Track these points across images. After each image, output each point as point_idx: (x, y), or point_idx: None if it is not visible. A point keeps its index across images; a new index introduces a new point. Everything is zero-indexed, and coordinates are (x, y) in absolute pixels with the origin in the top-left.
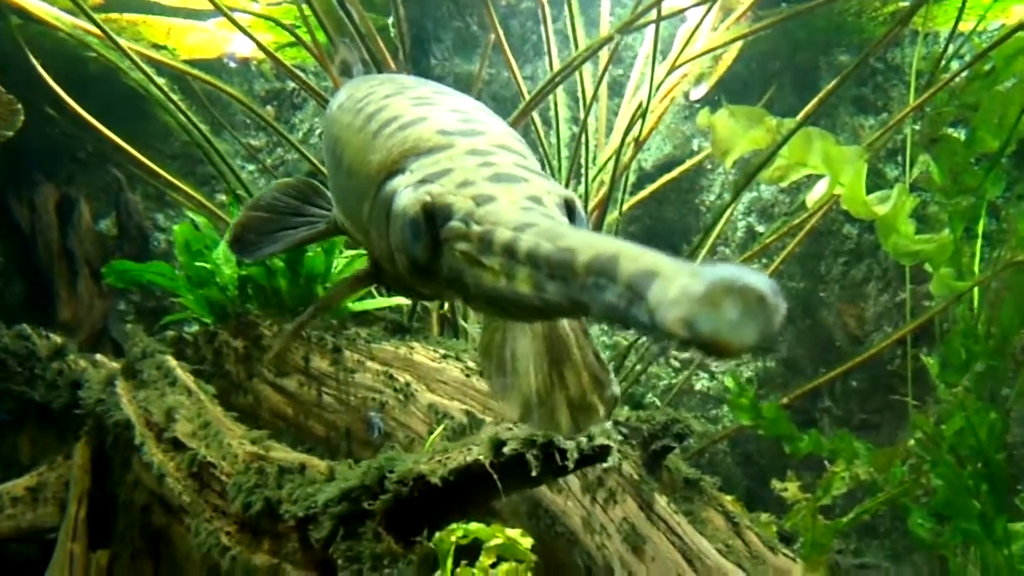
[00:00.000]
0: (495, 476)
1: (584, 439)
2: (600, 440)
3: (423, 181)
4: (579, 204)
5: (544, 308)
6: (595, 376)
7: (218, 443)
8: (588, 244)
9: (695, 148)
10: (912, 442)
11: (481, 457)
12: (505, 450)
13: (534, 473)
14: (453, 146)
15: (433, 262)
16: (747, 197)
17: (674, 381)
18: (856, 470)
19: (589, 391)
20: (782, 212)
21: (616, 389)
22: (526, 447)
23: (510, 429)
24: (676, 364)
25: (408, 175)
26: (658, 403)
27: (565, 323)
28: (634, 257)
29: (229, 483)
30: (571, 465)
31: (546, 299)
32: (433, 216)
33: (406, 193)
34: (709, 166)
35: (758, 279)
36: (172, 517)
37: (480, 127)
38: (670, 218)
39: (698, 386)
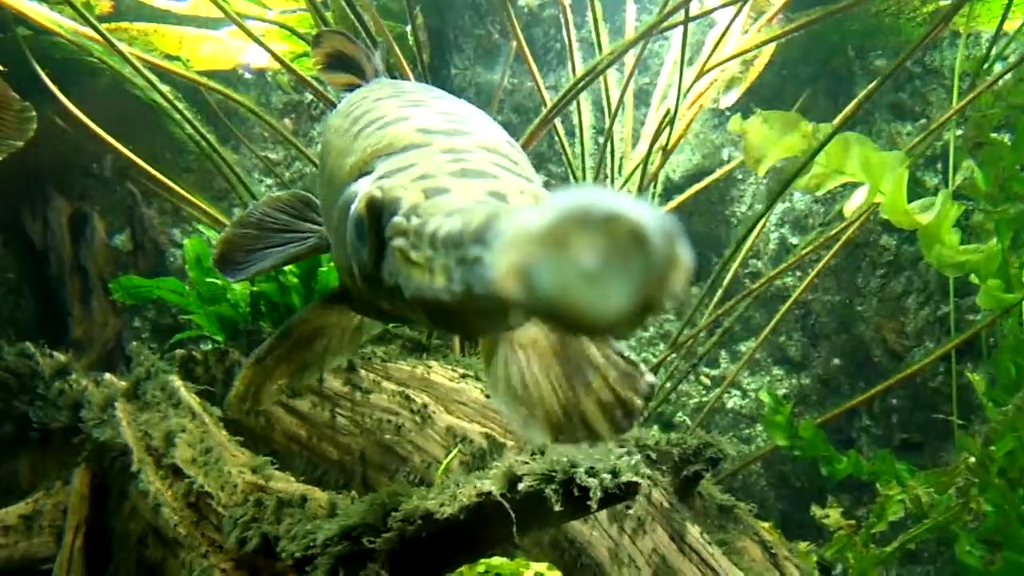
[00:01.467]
0: (512, 514)
1: (609, 475)
2: (627, 476)
3: (380, 178)
4: None
5: (466, 312)
6: (623, 372)
7: (218, 471)
8: (492, 208)
9: (725, 158)
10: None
11: (494, 491)
12: (521, 486)
13: (555, 510)
14: (430, 145)
15: (378, 267)
16: (779, 208)
17: (705, 399)
18: (914, 492)
19: (621, 388)
20: (817, 223)
21: (650, 377)
22: (544, 482)
23: (526, 463)
24: (707, 382)
25: (373, 175)
26: (688, 422)
27: None
28: (516, 209)
29: (225, 515)
30: (594, 505)
31: (455, 293)
32: (379, 213)
33: (360, 191)
34: (740, 176)
35: (633, 206)
36: (167, 550)
37: (467, 128)
38: (699, 230)
39: (730, 404)
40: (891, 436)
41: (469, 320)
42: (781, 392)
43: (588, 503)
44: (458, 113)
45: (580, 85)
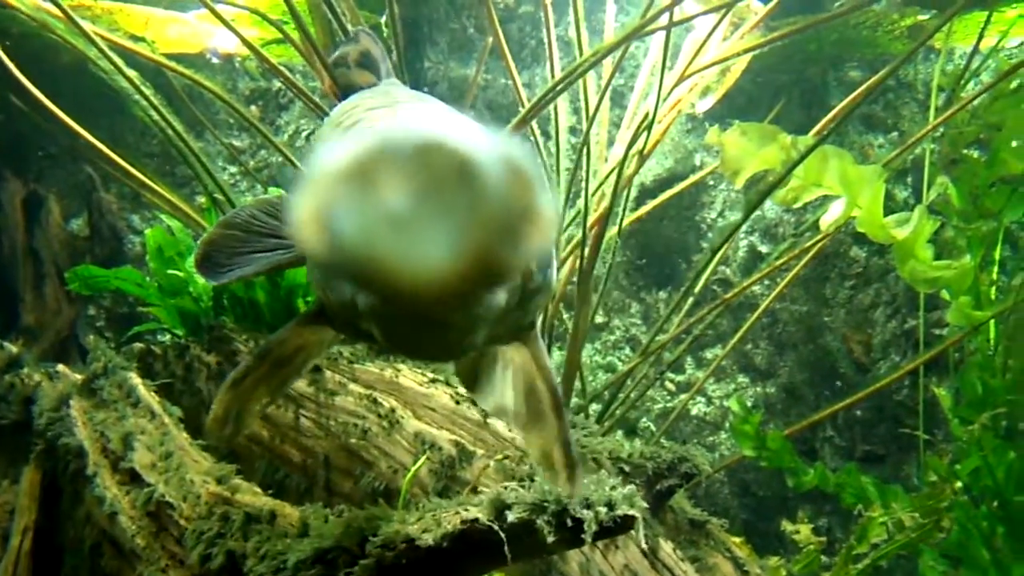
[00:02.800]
0: (504, 544)
1: (604, 508)
2: (623, 509)
3: None
4: None
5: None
6: (566, 461)
7: (179, 479)
8: None
9: (697, 163)
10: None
11: (481, 519)
12: (510, 515)
13: (548, 542)
14: None
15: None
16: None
17: (670, 405)
18: (896, 516)
19: (559, 465)
20: (786, 232)
21: (580, 490)
22: (535, 513)
23: (515, 491)
24: (672, 388)
25: None
26: (653, 428)
27: (541, 384)
28: None
29: (188, 529)
30: (588, 538)
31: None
32: None
33: None
34: (711, 182)
35: (456, 132)
36: (123, 562)
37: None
38: (669, 235)
39: (694, 411)
40: (854, 448)
41: (418, 335)
42: (746, 400)
43: (582, 535)
44: (441, 113)
45: (560, 87)
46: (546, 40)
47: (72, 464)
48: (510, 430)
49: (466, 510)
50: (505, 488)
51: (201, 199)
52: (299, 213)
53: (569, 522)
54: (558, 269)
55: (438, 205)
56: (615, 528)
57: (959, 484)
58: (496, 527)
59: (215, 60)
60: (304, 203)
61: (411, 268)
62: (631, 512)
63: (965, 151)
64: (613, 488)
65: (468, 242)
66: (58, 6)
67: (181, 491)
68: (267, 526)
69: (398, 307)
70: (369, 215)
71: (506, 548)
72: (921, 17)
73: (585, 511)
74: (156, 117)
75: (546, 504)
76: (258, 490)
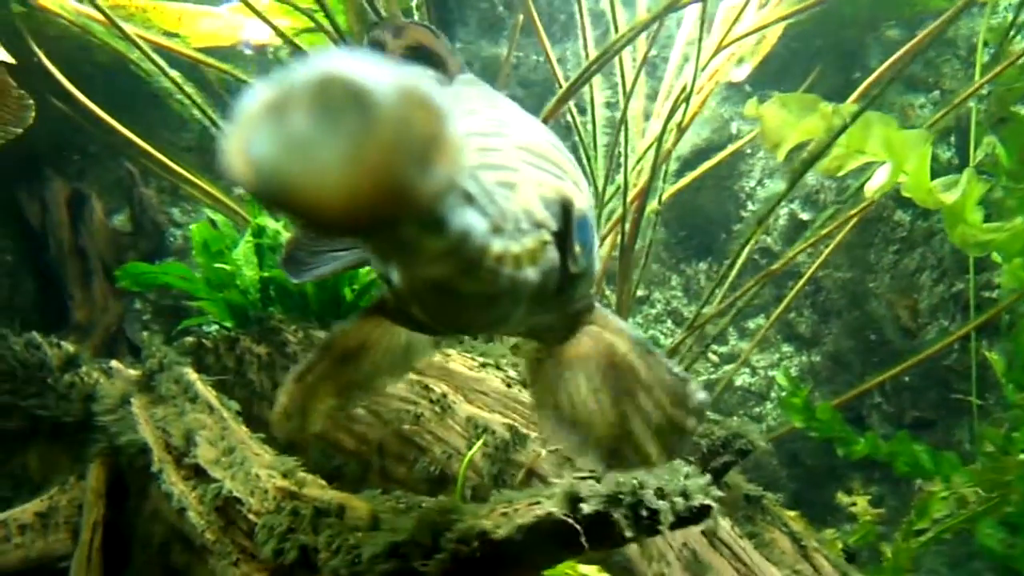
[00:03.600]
0: (576, 536)
1: (680, 498)
2: (698, 499)
3: None
4: (579, 207)
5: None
6: (674, 391)
7: (244, 474)
8: None
9: (734, 132)
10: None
11: (555, 513)
12: (585, 508)
13: (625, 535)
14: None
15: None
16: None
17: (713, 377)
18: (959, 491)
19: (671, 408)
20: (827, 199)
21: (702, 395)
22: (611, 506)
23: (585, 479)
24: (715, 359)
25: None
26: None
27: (622, 345)
28: None
29: (259, 523)
30: (665, 529)
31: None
32: None
33: None
34: (749, 151)
35: (353, 64)
36: (193, 556)
37: (508, 131)
38: (707, 205)
39: (739, 382)
40: (903, 414)
41: (463, 299)
42: (791, 369)
43: (658, 527)
44: (505, 118)
45: (594, 68)
46: (578, 14)
47: (137, 461)
48: None
49: (538, 503)
50: (577, 478)
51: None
52: (227, 150)
53: (645, 513)
54: (599, 245)
55: (333, 129)
56: (691, 518)
57: (1022, 456)
58: (571, 520)
59: (248, 52)
60: (230, 140)
61: (310, 184)
62: (707, 502)
63: (1013, 108)
64: (687, 477)
65: (360, 158)
66: (100, 11)
67: (248, 486)
68: (336, 520)
69: (310, 223)
70: (276, 143)
71: (583, 539)
72: None
73: (661, 502)
74: (198, 114)
75: (621, 496)
76: (324, 483)
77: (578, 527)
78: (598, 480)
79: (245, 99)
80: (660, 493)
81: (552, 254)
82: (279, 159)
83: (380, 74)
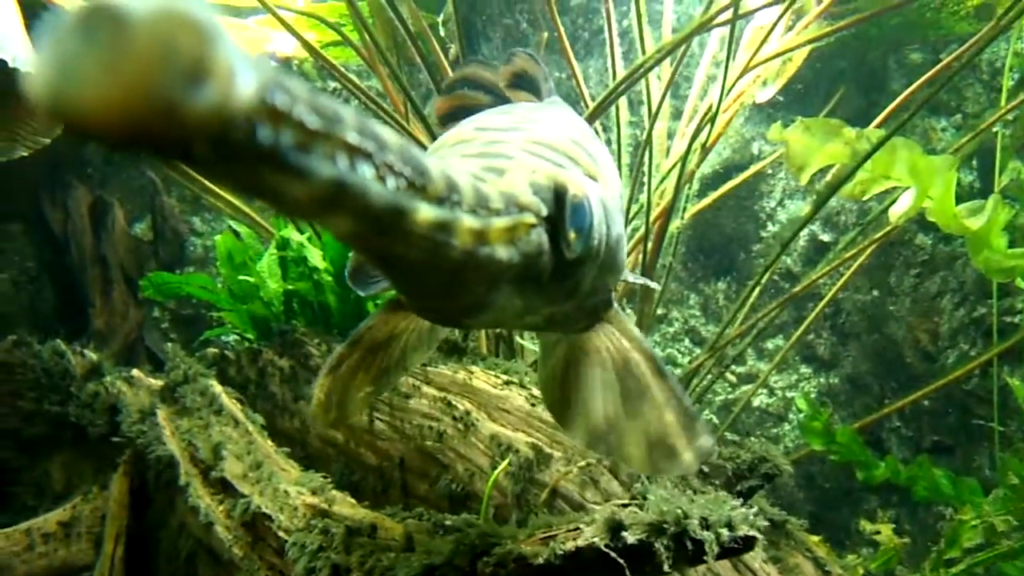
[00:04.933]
0: (618, 564)
1: (725, 529)
2: (743, 530)
3: None
4: (575, 194)
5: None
6: (680, 419)
7: (273, 489)
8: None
9: (755, 152)
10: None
11: (597, 542)
12: (628, 537)
13: (665, 567)
14: (475, 140)
15: None
16: (810, 204)
17: (731, 397)
18: (989, 519)
19: (673, 433)
20: (848, 221)
21: (708, 442)
22: (654, 535)
23: (627, 506)
24: (733, 379)
25: None
26: (716, 421)
27: (637, 356)
28: None
29: (289, 541)
30: (711, 559)
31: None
32: None
33: None
34: (769, 171)
35: None
36: (220, 570)
37: (528, 126)
38: (726, 225)
39: (756, 402)
40: (921, 438)
41: (448, 281)
42: (808, 391)
43: (703, 557)
44: (537, 119)
45: (621, 89)
46: (607, 34)
47: (165, 473)
48: None
49: (578, 529)
50: (619, 506)
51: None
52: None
53: (689, 544)
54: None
55: (95, 49)
56: (736, 549)
57: None
58: (613, 551)
59: (273, 64)
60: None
61: (79, 100)
62: (752, 533)
63: None
64: (732, 508)
65: (116, 73)
66: None
67: (277, 502)
68: (368, 539)
69: (92, 138)
70: (53, 64)
71: (626, 571)
72: None
73: (705, 532)
74: None
75: (665, 526)
76: (353, 501)
77: (620, 557)
78: (640, 507)
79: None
80: (704, 523)
81: (536, 237)
82: (56, 79)
83: (152, 3)
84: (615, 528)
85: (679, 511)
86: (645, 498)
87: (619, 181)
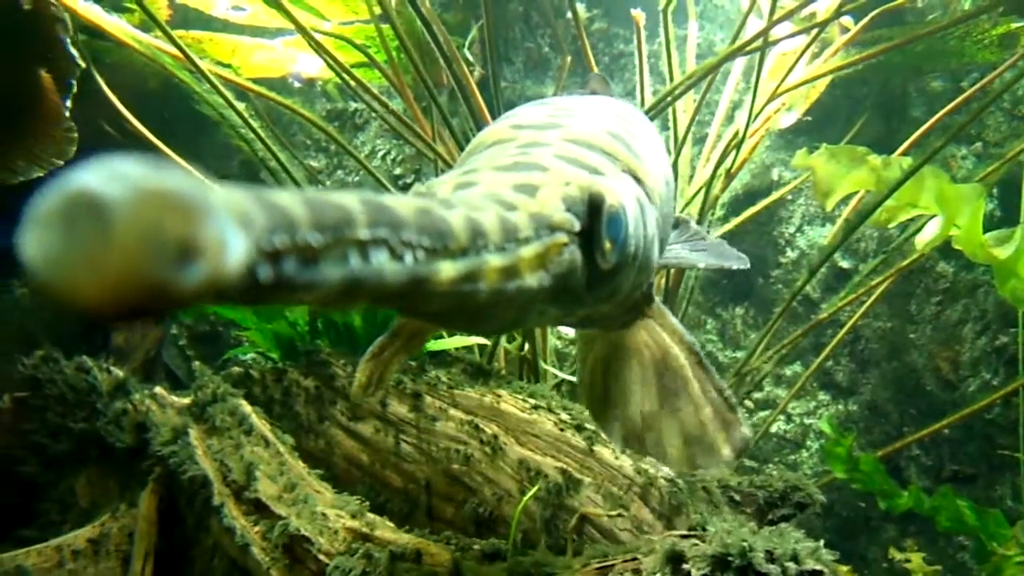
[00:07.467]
0: None
1: (792, 563)
2: (810, 564)
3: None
4: (612, 203)
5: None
6: (719, 413)
7: (310, 512)
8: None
9: (775, 178)
10: None
11: (657, 573)
12: (691, 570)
13: None
14: (515, 139)
15: None
16: (831, 231)
17: (751, 424)
18: None
19: (711, 428)
20: (868, 248)
21: (747, 431)
22: (718, 569)
23: (687, 537)
24: (751, 405)
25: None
26: None
27: (677, 349)
28: None
29: (330, 565)
30: None
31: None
32: None
33: None
34: (789, 196)
35: (104, 174)
36: None
37: (566, 121)
38: (746, 250)
39: (774, 428)
40: (941, 466)
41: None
42: (827, 418)
43: None
44: (576, 110)
45: (653, 112)
46: (637, 60)
47: (198, 494)
48: (617, 457)
49: (636, 559)
50: (679, 536)
51: None
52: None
53: None
54: None
55: (77, 238)
56: None
57: None
58: None
59: (296, 84)
60: (24, 237)
61: (68, 286)
62: (819, 568)
63: None
64: (797, 540)
65: (99, 262)
66: (177, 46)
67: (315, 525)
68: (414, 564)
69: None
70: (40, 249)
71: None
72: (1015, 25)
73: (771, 566)
74: (259, 147)
75: (729, 558)
76: (393, 526)
77: None
78: (700, 539)
79: (34, 206)
80: (770, 556)
81: (568, 255)
82: (45, 267)
83: (121, 183)
84: (676, 559)
85: (744, 543)
86: (704, 529)
87: (665, 160)
